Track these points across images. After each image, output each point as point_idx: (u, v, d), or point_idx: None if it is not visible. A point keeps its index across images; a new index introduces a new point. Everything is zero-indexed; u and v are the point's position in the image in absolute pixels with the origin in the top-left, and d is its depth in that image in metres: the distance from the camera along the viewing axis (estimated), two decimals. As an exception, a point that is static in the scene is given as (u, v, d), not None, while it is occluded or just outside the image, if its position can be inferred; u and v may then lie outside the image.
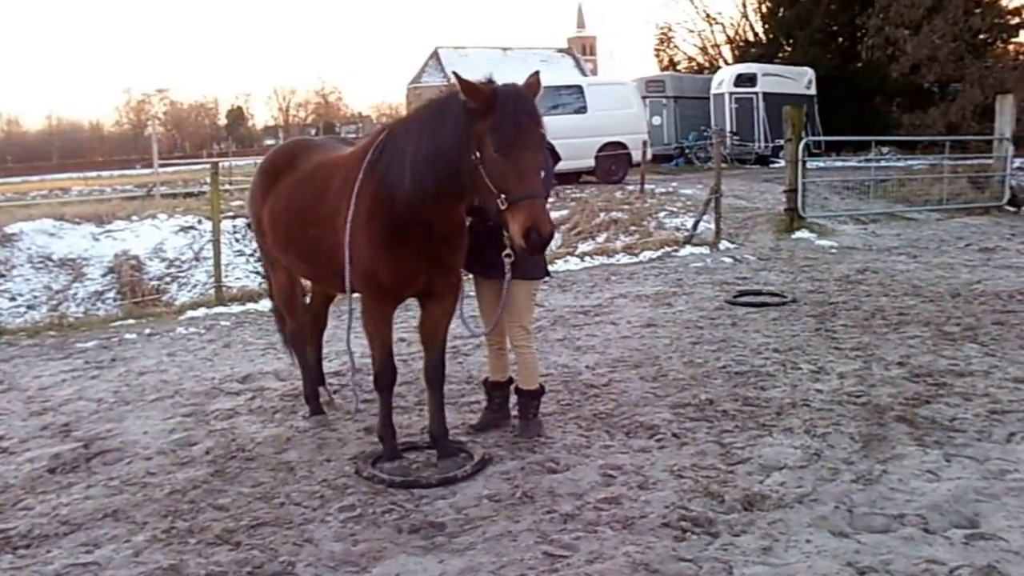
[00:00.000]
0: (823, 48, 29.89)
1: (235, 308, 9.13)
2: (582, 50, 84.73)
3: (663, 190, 16.53)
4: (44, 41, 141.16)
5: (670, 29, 37.95)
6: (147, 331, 8.17)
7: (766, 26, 33.89)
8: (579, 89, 19.75)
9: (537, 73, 3.89)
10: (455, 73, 3.81)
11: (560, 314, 7.99)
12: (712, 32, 36.92)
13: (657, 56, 38.83)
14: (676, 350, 6.56)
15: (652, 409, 5.17)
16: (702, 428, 4.83)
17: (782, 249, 11.45)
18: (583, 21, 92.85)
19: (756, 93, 25.19)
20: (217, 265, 9.92)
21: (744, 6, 35.05)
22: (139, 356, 7.19)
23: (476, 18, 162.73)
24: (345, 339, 4.57)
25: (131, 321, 8.79)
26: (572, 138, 15.93)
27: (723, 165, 14.97)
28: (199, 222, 13.09)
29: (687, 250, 11.54)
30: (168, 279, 12.14)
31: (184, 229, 13.13)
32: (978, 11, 25.39)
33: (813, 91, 25.73)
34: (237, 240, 13.14)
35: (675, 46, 38.45)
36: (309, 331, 5.50)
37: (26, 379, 6.57)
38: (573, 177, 18.81)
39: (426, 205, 3.95)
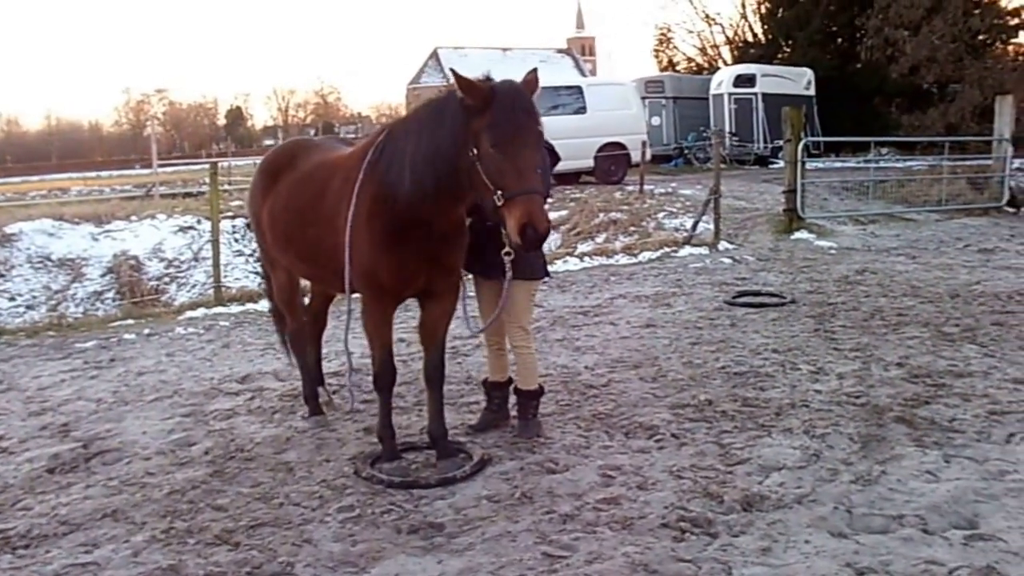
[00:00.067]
0: (822, 49, 29.90)
1: (234, 308, 9.13)
2: (581, 51, 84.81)
3: (662, 191, 16.54)
4: (43, 41, 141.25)
5: (669, 30, 38.00)
6: (146, 331, 8.16)
7: (765, 27, 33.91)
8: (578, 89, 19.77)
9: (535, 70, 3.88)
10: (453, 70, 3.81)
11: (559, 314, 7.99)
12: (711, 33, 37.01)
13: (656, 57, 38.87)
14: (675, 351, 6.56)
15: (651, 410, 5.17)
16: (701, 429, 4.83)
17: (781, 250, 11.46)
18: (582, 22, 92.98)
19: (755, 94, 25.20)
20: (216, 265, 9.92)
21: (743, 7, 35.12)
22: (138, 356, 7.19)
23: (475, 18, 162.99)
24: (344, 339, 4.56)
25: (130, 321, 8.79)
26: (571, 138, 15.97)
27: (722, 166, 14.96)
28: (198, 222, 13.09)
29: (686, 251, 11.55)
30: (167, 279, 12.15)
31: (183, 229, 13.13)
32: (977, 12, 25.38)
33: (812, 92, 25.74)
34: (236, 240, 13.14)
35: (674, 47, 38.50)
36: (309, 331, 5.50)
37: (25, 379, 6.57)
38: (572, 177, 18.82)
39: (426, 204, 3.94)
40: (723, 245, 11.83)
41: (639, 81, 25.93)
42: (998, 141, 15.81)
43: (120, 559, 3.58)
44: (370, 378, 4.53)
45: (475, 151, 3.66)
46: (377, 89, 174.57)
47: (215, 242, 10.00)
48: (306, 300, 5.74)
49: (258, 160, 8.63)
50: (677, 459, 4.41)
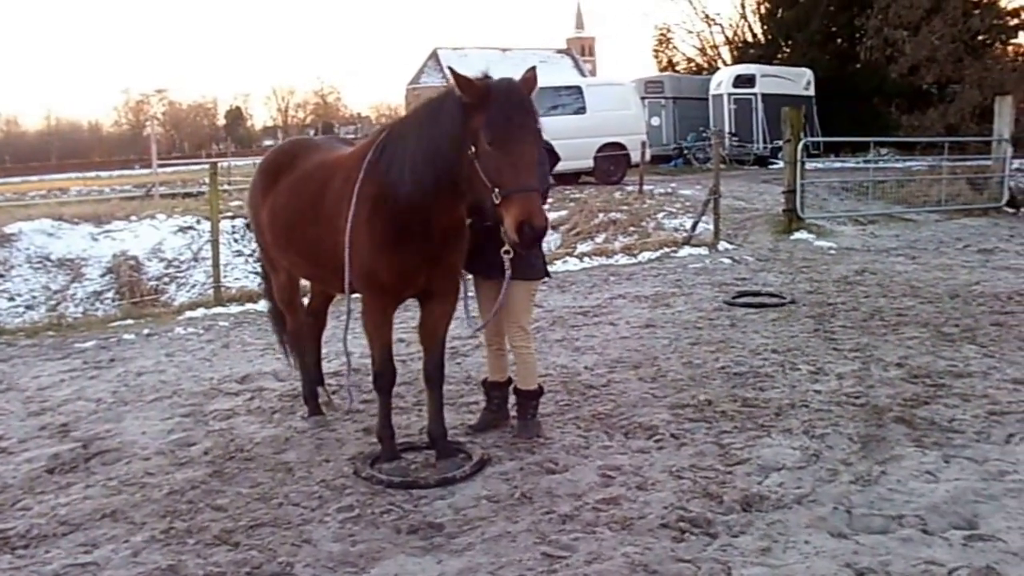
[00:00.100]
0: (822, 49, 29.89)
1: (234, 308, 9.13)
2: (581, 51, 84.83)
3: (662, 191, 16.54)
4: (43, 41, 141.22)
5: (669, 30, 37.97)
6: (146, 331, 8.16)
7: (765, 27, 33.89)
8: (578, 90, 19.76)
9: (533, 68, 3.87)
10: (450, 68, 3.80)
11: (559, 315, 7.99)
12: (711, 33, 36.95)
13: (656, 57, 38.82)
14: (675, 351, 6.56)
15: (651, 410, 5.18)
16: (701, 429, 4.83)
17: (781, 250, 11.46)
18: (582, 22, 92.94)
19: (755, 94, 25.20)
20: (216, 265, 9.92)
21: (743, 7, 35.08)
22: (138, 356, 7.19)
23: (475, 19, 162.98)
24: (343, 339, 4.56)
25: (130, 321, 8.78)
26: (571, 139, 15.96)
27: (722, 166, 14.96)
28: (198, 222, 13.10)
29: (686, 251, 11.55)
30: (167, 279, 12.15)
31: (183, 229, 13.14)
32: (977, 12, 25.35)
33: (812, 92, 25.72)
34: (236, 240, 13.15)
35: (674, 47, 38.43)
36: (308, 331, 5.50)
37: (25, 379, 6.57)
38: (572, 178, 18.81)
39: (426, 204, 3.94)
40: (723, 245, 11.83)
41: (639, 81, 25.92)
42: (997, 141, 15.81)
43: (119, 559, 3.58)
44: (370, 378, 4.52)
45: (473, 149, 3.65)
46: (377, 89, 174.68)
47: (215, 242, 10.00)
48: (306, 300, 5.73)
49: (258, 160, 8.64)
50: (677, 459, 4.41)
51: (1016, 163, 16.32)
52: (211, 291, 10.09)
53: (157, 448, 4.91)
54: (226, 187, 20.76)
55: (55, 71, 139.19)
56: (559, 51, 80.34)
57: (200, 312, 9.04)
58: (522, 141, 3.61)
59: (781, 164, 15.51)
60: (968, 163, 17.71)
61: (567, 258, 11.43)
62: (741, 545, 3.48)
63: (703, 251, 11.50)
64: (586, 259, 11.33)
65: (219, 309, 9.11)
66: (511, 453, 4.57)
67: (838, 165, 20.40)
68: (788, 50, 31.69)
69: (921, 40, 24.06)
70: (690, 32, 37.87)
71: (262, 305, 8.45)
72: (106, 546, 3.70)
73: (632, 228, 13.58)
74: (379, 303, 4.27)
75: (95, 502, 4.16)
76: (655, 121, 26.38)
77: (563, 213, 14.77)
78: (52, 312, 10.33)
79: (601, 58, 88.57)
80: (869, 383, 5.55)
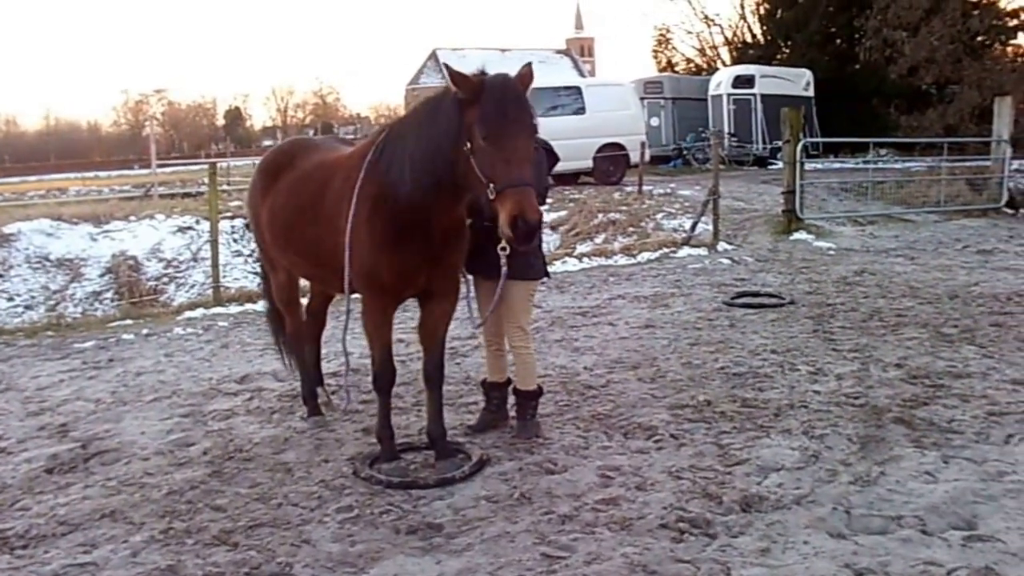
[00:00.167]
0: (821, 50, 29.89)
1: (233, 309, 9.13)
2: (580, 51, 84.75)
3: (661, 191, 16.55)
4: (42, 41, 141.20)
5: (668, 30, 37.98)
6: (145, 331, 8.16)
7: (764, 28, 33.89)
8: (577, 90, 19.77)
9: (529, 64, 3.85)
10: (446, 65, 3.79)
11: (558, 315, 7.99)
12: (710, 33, 36.95)
13: (655, 57, 38.83)
14: (674, 351, 6.56)
15: (650, 410, 5.17)
16: (700, 429, 4.83)
17: (780, 250, 11.46)
18: (581, 22, 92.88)
19: (754, 94, 25.20)
20: (215, 265, 9.92)
21: (742, 7, 35.09)
22: (137, 356, 7.18)
23: (474, 19, 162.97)
24: (342, 339, 4.56)
25: (129, 321, 8.78)
26: (570, 139, 15.94)
27: (721, 166, 14.96)
28: (197, 222, 13.10)
29: (685, 251, 11.55)
30: (166, 279, 12.16)
31: (182, 229, 13.15)
32: (976, 13, 25.36)
33: (811, 93, 25.73)
34: (235, 241, 13.15)
35: (673, 47, 38.42)
36: (308, 331, 5.50)
37: (24, 379, 6.56)
38: (571, 178, 18.82)
39: (426, 203, 3.94)
40: (722, 246, 11.83)
41: (638, 82, 25.93)
42: (997, 142, 15.82)
43: (119, 559, 3.57)
44: (369, 378, 4.52)
45: (468, 145, 3.65)
46: (376, 90, 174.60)
47: (214, 242, 10.00)
48: (305, 300, 5.73)
49: (257, 160, 8.64)
50: (676, 460, 4.41)
51: (1015, 164, 16.33)
52: (210, 291, 10.09)
53: (156, 448, 4.90)
54: (225, 187, 20.77)
55: (54, 71, 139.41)
56: (558, 52, 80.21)
57: (199, 312, 9.04)
58: (516, 136, 3.59)
59: (780, 165, 15.50)
60: (967, 164, 17.70)
61: (566, 258, 11.43)
62: (740, 545, 3.48)
63: (702, 252, 11.50)
64: (585, 259, 11.33)
65: (218, 309, 9.11)
66: (510, 453, 4.57)
67: (837, 166, 20.40)
68: (787, 51, 31.69)
69: (920, 41, 24.08)
70: (689, 33, 37.90)
71: (261, 305, 8.44)
72: (105, 546, 3.70)
73: (631, 229, 13.58)
74: (379, 303, 4.26)
75: (94, 502, 4.16)
76: (654, 122, 26.39)
77: (562, 213, 14.78)
78: (51, 312, 10.33)
79: (600, 58, 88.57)
80: (868, 384, 5.55)
